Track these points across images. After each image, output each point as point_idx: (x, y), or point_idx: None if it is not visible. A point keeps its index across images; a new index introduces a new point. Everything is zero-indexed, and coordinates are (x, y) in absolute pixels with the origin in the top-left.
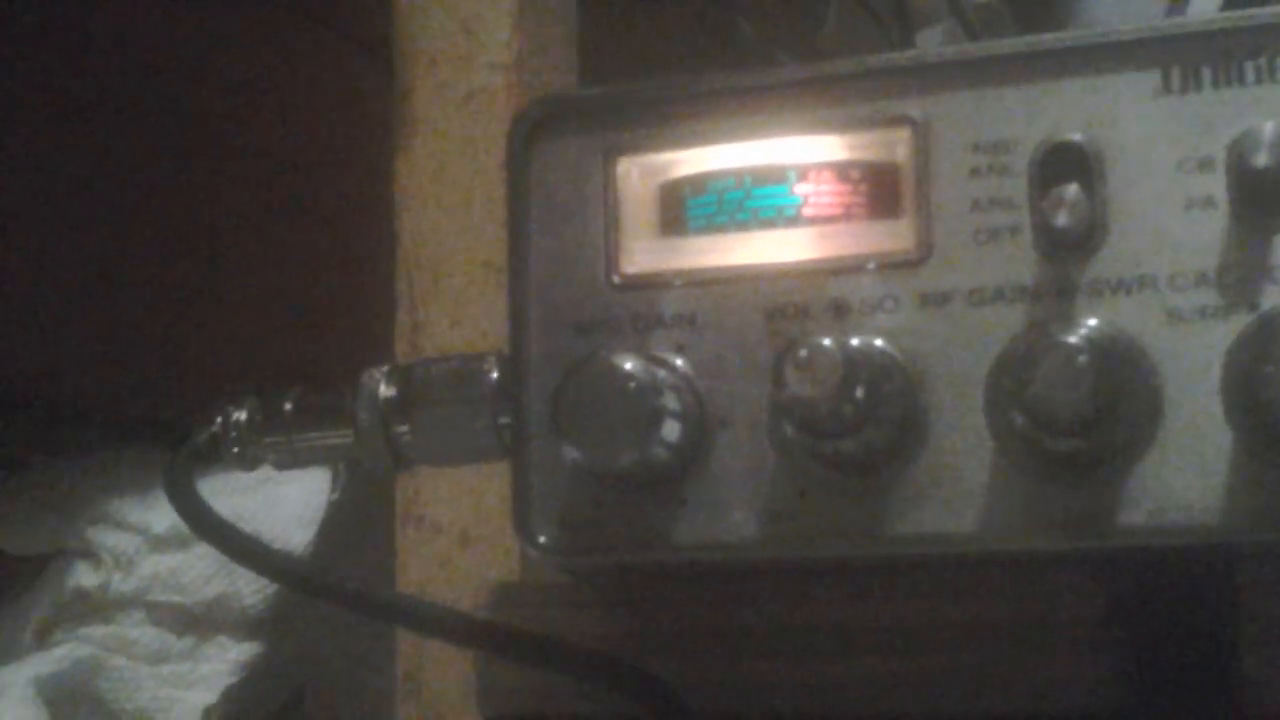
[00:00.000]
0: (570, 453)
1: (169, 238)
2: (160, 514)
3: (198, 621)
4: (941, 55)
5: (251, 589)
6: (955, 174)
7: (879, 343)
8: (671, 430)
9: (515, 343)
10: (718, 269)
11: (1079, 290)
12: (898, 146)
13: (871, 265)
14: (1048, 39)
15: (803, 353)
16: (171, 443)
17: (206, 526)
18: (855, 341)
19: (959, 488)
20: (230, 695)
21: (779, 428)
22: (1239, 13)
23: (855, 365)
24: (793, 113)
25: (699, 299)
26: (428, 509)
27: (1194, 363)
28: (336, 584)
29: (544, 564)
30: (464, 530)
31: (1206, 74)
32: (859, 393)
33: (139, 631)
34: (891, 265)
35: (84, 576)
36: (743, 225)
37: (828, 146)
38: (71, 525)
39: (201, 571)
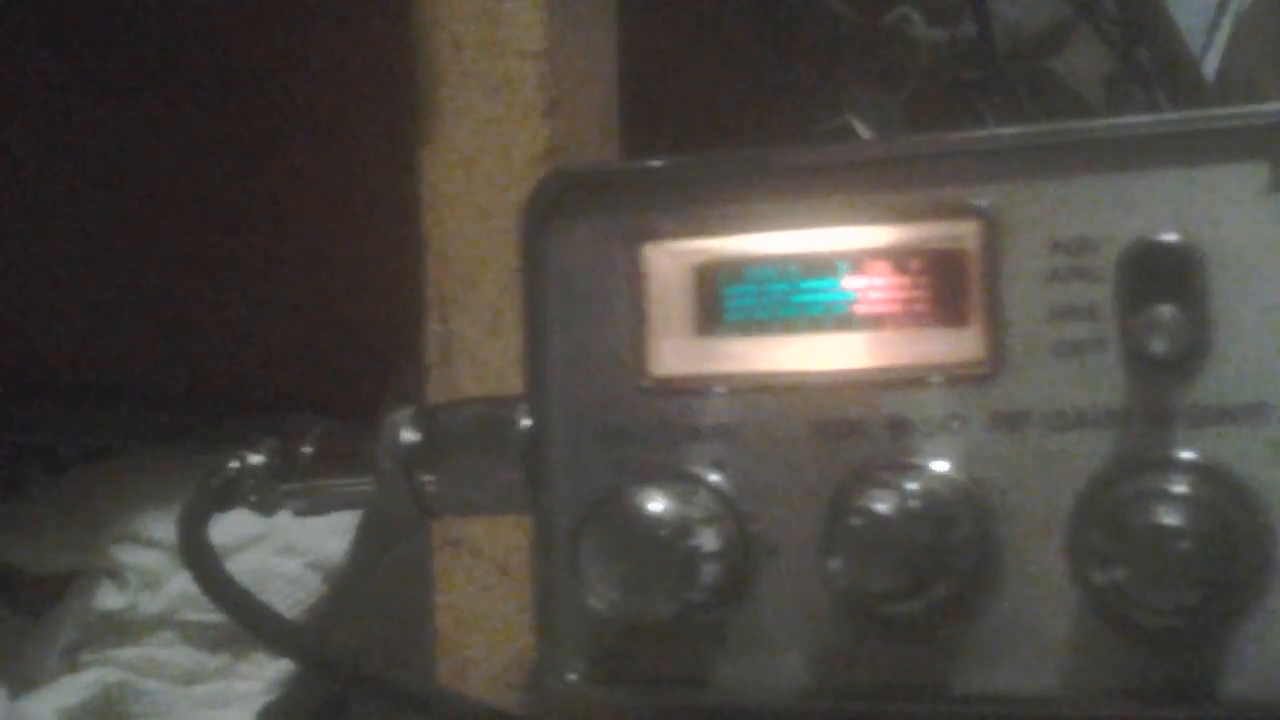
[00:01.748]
0: (595, 603)
1: (196, 220)
2: None
3: (231, 639)
4: (1015, 137)
5: (287, 602)
6: (1030, 275)
7: (945, 469)
8: (710, 573)
9: (534, 452)
10: (760, 375)
11: (1176, 418)
12: (964, 240)
13: (935, 378)
14: (1138, 122)
15: (855, 521)
16: (197, 445)
17: (216, 589)
18: (915, 486)
19: (1038, 642)
20: (268, 713)
21: (831, 570)
22: None
23: (917, 528)
24: (844, 197)
25: (739, 409)
26: (465, 532)
27: None
28: (352, 668)
29: (573, 702)
30: (503, 558)
31: None
32: (922, 557)
33: (170, 652)
34: (958, 379)
35: (109, 598)
36: (788, 324)
37: (883, 236)
38: (94, 543)
39: None
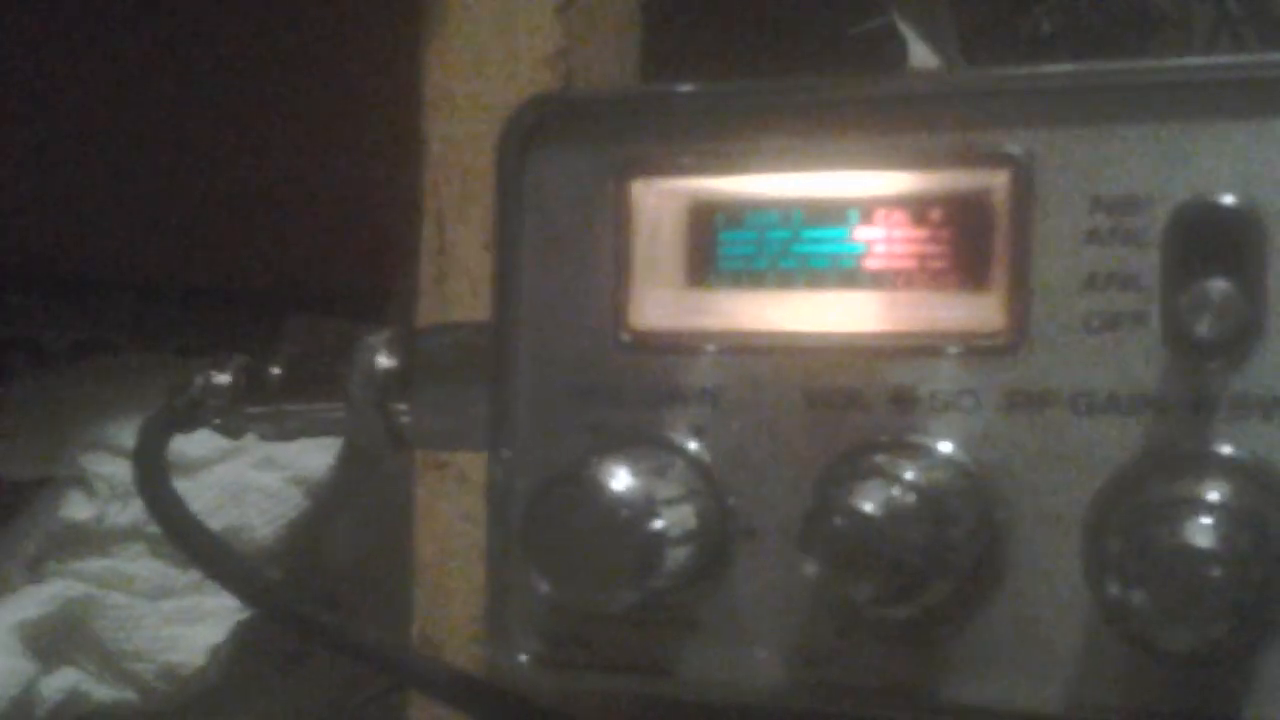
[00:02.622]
0: (545, 588)
1: (192, 110)
2: None
3: None
4: (1057, 75)
5: (264, 518)
6: (1066, 235)
7: (951, 451)
8: (677, 557)
9: (498, 403)
10: (752, 333)
11: (1219, 409)
12: (992, 191)
13: (948, 347)
14: (1199, 64)
15: (838, 521)
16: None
17: (170, 523)
18: (912, 475)
19: (1042, 650)
20: (241, 632)
21: (810, 572)
22: None
23: (908, 528)
24: (858, 137)
25: (727, 370)
26: (452, 456)
27: None
28: (314, 618)
29: (525, 681)
30: None
31: None
32: (913, 560)
33: (138, 565)
34: (974, 350)
35: (77, 508)
36: (787, 277)
37: (900, 183)
38: (62, 450)
39: (208, 501)
